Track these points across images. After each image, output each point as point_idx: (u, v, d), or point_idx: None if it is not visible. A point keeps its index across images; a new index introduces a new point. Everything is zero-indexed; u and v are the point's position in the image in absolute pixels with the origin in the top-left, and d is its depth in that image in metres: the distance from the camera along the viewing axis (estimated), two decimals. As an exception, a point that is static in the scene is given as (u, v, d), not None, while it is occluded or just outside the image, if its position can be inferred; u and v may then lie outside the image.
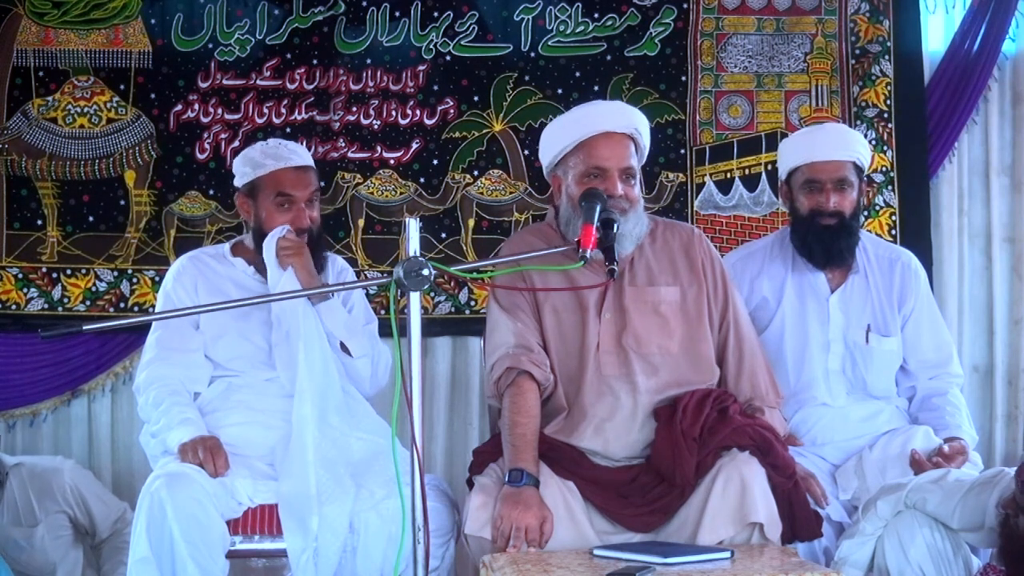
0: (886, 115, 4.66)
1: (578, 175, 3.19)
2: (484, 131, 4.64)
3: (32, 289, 4.55)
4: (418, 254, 2.63)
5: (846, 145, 3.64)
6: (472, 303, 4.61)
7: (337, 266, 3.69)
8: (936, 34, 4.78)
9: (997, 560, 3.01)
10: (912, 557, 3.08)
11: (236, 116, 4.59)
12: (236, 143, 4.53)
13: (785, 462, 3.11)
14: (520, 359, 3.18)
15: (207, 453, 3.20)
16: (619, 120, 3.24)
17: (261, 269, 3.52)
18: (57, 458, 4.23)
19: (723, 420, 3.10)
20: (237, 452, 3.31)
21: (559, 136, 3.27)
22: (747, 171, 4.67)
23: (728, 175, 4.67)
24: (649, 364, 3.19)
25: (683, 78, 4.67)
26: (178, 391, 3.38)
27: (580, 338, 3.21)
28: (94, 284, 4.56)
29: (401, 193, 4.62)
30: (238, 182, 3.55)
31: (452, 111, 4.63)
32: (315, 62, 4.61)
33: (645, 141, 3.28)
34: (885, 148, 4.64)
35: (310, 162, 3.56)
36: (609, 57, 4.66)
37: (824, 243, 3.62)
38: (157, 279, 4.48)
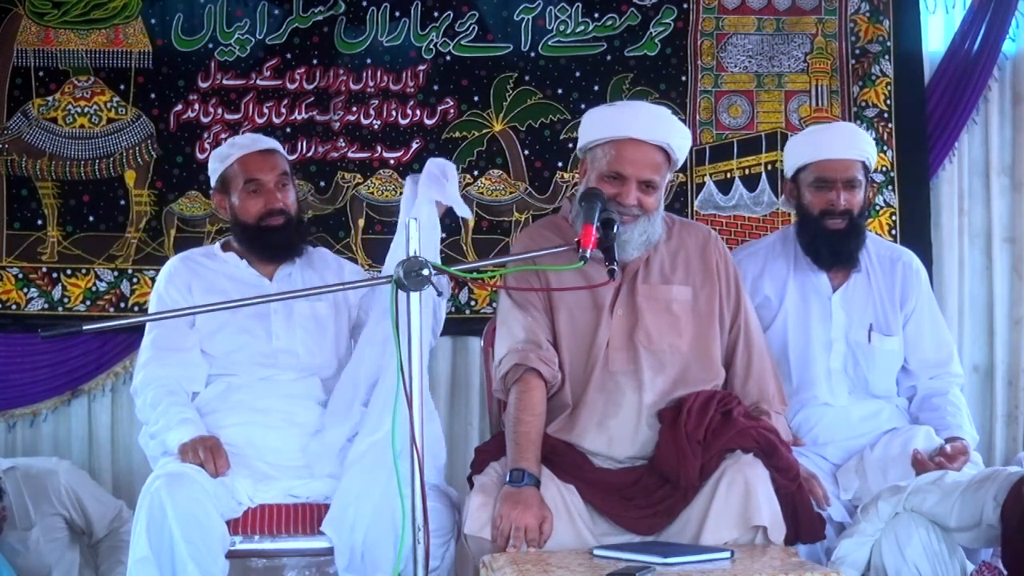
0: (886, 115, 4.66)
1: (599, 173, 3.18)
2: (484, 131, 4.64)
3: (32, 289, 4.55)
4: (418, 254, 2.63)
5: (856, 144, 3.64)
6: (472, 303, 4.61)
7: (332, 264, 3.69)
8: (936, 34, 4.78)
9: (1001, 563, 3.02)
10: (909, 557, 3.08)
11: (236, 116, 4.59)
12: (236, 143, 4.54)
13: (789, 464, 3.10)
14: (528, 356, 3.17)
15: (207, 453, 3.19)
16: (652, 131, 3.18)
17: (253, 263, 3.53)
18: (52, 459, 4.22)
19: (727, 422, 3.09)
20: (237, 452, 3.31)
21: (595, 126, 3.24)
22: (747, 171, 4.67)
23: (728, 175, 4.67)
24: (658, 361, 3.18)
25: (683, 78, 4.67)
26: (175, 391, 3.39)
27: (591, 335, 3.20)
28: (94, 284, 4.56)
29: (401, 193, 4.61)
30: (212, 181, 3.57)
31: (452, 111, 4.63)
32: (315, 62, 4.61)
33: (679, 155, 3.23)
34: (885, 148, 4.64)
35: (276, 146, 3.57)
36: (609, 57, 4.66)
37: (832, 245, 3.61)
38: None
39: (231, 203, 3.51)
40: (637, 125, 3.19)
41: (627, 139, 3.16)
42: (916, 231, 4.61)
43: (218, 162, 3.54)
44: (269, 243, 3.50)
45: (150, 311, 3.63)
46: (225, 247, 3.60)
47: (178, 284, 3.51)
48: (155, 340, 3.46)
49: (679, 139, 3.23)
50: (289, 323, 3.48)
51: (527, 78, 4.64)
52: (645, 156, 3.16)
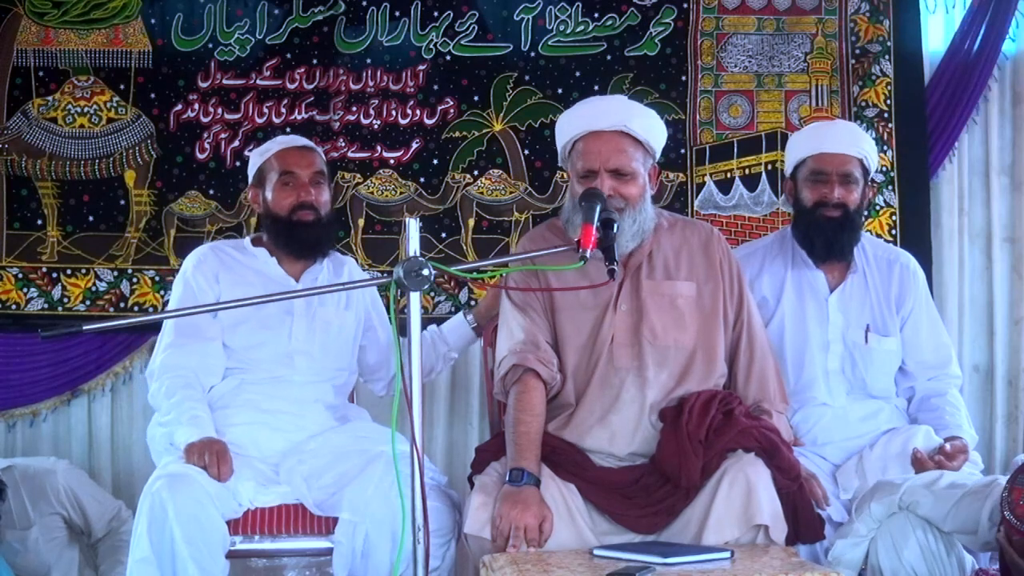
0: (886, 115, 4.66)
1: (576, 176, 3.21)
2: (484, 131, 4.64)
3: (32, 289, 4.55)
4: (418, 254, 2.63)
5: (854, 142, 3.64)
6: (472, 303, 4.60)
7: (352, 268, 3.72)
8: (936, 34, 4.77)
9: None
10: (905, 558, 3.08)
11: (236, 116, 4.59)
12: (236, 143, 4.54)
13: (790, 464, 3.10)
14: (527, 357, 3.18)
15: (212, 458, 3.19)
16: (606, 118, 3.20)
17: (282, 260, 3.54)
18: (50, 459, 4.22)
19: (729, 422, 3.10)
20: (241, 453, 3.31)
21: (560, 133, 3.29)
22: (747, 171, 4.66)
23: (728, 175, 4.67)
24: (662, 357, 3.19)
25: (683, 78, 4.67)
26: (192, 384, 3.38)
27: (595, 331, 3.21)
28: (94, 284, 4.55)
29: (401, 193, 4.62)
30: (250, 178, 3.61)
31: (452, 111, 4.63)
32: (315, 62, 4.61)
33: (647, 135, 3.21)
34: (885, 148, 4.64)
35: (315, 146, 3.63)
36: (609, 57, 4.65)
37: (826, 235, 3.61)
38: (157, 279, 4.49)
39: (265, 197, 3.53)
40: (591, 118, 3.22)
41: (587, 133, 3.19)
42: (916, 231, 4.61)
43: (257, 157, 3.58)
44: (298, 238, 3.51)
45: (174, 297, 3.57)
46: (255, 242, 3.62)
47: (206, 272, 3.51)
48: (178, 324, 3.45)
49: (640, 119, 3.22)
50: (310, 326, 3.49)
51: (527, 78, 4.64)
52: (607, 144, 3.17)
